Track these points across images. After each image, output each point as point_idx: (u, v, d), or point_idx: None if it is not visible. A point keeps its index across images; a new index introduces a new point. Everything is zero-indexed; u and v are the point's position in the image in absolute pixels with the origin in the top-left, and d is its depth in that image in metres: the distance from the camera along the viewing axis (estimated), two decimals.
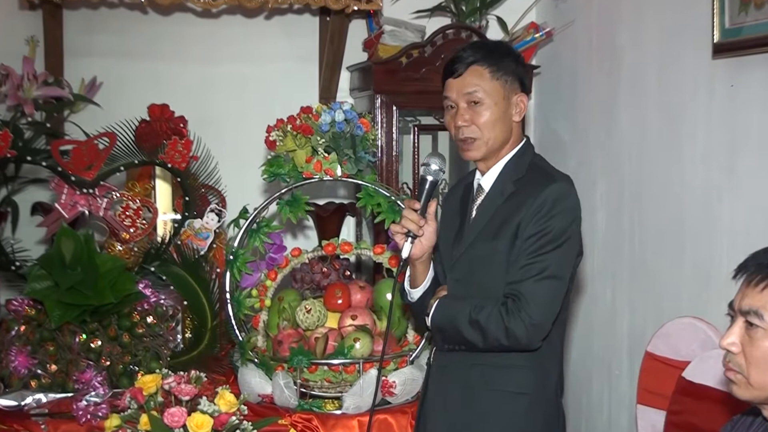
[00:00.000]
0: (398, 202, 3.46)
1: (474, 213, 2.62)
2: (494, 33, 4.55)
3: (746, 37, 3.00)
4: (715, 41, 3.14)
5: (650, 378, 3.28)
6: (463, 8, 4.50)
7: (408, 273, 2.66)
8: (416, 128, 4.43)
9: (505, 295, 2.47)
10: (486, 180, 2.63)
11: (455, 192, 2.77)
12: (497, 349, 2.49)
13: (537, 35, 4.39)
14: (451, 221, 2.68)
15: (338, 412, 3.26)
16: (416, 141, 4.42)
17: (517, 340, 2.45)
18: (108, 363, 3.36)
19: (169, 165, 3.60)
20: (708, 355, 2.99)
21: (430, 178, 2.53)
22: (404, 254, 2.52)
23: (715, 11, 3.10)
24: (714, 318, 3.10)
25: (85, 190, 3.53)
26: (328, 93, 4.64)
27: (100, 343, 3.36)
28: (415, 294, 2.66)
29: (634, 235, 3.77)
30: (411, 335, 3.43)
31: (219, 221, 3.69)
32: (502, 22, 4.55)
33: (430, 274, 2.64)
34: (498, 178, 2.60)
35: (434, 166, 2.53)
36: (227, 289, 3.45)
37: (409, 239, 2.51)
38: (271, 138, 3.45)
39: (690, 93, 3.35)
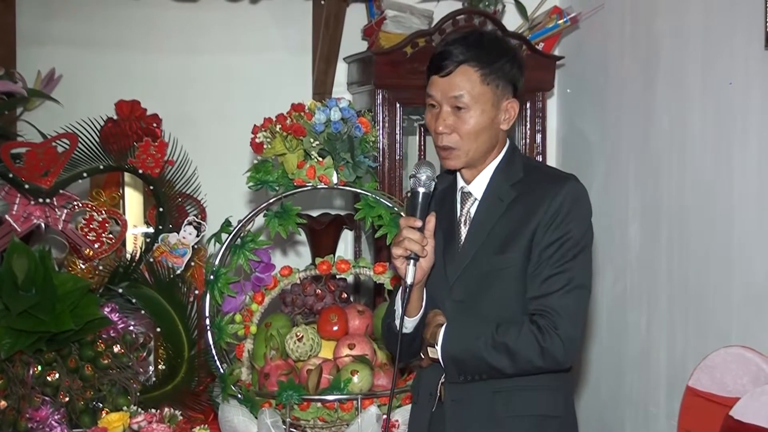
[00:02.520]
0: (401, 213, 3.43)
1: (468, 225, 2.64)
2: (512, 19, 4.56)
3: None
4: None
5: (692, 417, 3.26)
6: None
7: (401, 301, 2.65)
8: (422, 128, 4.43)
9: (532, 312, 2.52)
10: (475, 187, 2.65)
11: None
12: (527, 373, 2.53)
13: (561, 21, 4.42)
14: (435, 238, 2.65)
15: None
16: (422, 142, 4.43)
17: (555, 359, 2.50)
18: (67, 399, 3.34)
19: (141, 171, 3.61)
20: (761, 390, 2.98)
21: (422, 190, 2.54)
22: (409, 279, 2.51)
23: None
24: None
25: (41, 200, 3.53)
26: (322, 88, 4.64)
27: (57, 375, 3.34)
28: (411, 323, 2.64)
29: (674, 252, 3.76)
30: (416, 368, 3.41)
31: (198, 235, 3.71)
32: (520, 7, 4.55)
33: (425, 300, 2.64)
34: (491, 183, 2.63)
35: (424, 176, 2.53)
36: (207, 313, 3.45)
37: (412, 262, 2.51)
38: (257, 140, 3.45)
39: (740, 89, 3.35)
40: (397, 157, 4.24)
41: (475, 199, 2.64)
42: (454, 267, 2.61)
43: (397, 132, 4.24)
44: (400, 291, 2.59)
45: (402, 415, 3.27)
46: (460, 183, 2.68)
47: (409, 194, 2.62)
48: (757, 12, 3.19)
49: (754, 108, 3.27)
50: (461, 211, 2.66)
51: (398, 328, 2.57)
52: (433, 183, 2.55)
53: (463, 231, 2.64)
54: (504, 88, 2.59)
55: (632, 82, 4.07)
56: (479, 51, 2.57)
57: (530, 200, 2.55)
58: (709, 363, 3.22)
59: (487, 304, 2.58)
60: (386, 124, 4.22)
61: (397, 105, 4.24)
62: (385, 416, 3.22)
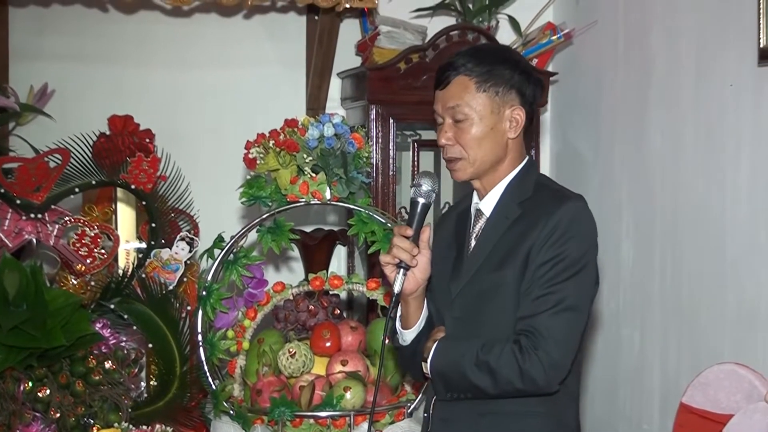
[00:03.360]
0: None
1: (474, 242, 2.61)
2: (505, 35, 4.57)
3: None
4: (761, 45, 3.15)
5: None
6: (470, 6, 4.52)
7: (399, 312, 2.63)
8: (416, 144, 4.45)
9: (518, 332, 2.46)
10: (486, 204, 2.61)
11: (448, 220, 2.76)
12: (510, 395, 2.47)
13: (554, 37, 4.42)
14: (446, 253, 2.66)
15: None
16: (416, 158, 4.43)
17: (534, 382, 2.42)
18: (58, 415, 3.32)
19: (133, 186, 3.61)
20: (753, 408, 2.98)
21: (421, 200, 2.52)
22: (396, 288, 2.49)
23: (761, 11, 3.12)
24: (761, 365, 3.09)
25: (32, 215, 3.52)
26: (316, 103, 4.65)
27: (48, 391, 3.32)
28: (408, 336, 2.62)
29: (667, 270, 3.76)
30: (409, 384, 3.41)
31: (190, 251, 3.69)
32: (514, 22, 4.57)
33: (425, 312, 2.62)
34: (500, 201, 2.59)
35: (426, 187, 2.52)
36: (199, 329, 3.44)
37: (401, 271, 2.49)
38: (250, 155, 3.45)
39: (733, 105, 3.36)
40: (391, 173, 4.24)
41: (485, 216, 2.61)
42: (457, 283, 2.59)
43: (391, 147, 4.24)
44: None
45: None
46: (475, 199, 2.65)
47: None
48: (749, 29, 3.19)
49: (747, 125, 3.28)
50: (473, 228, 2.63)
51: (384, 334, 2.57)
52: (434, 194, 2.53)
53: (471, 248, 2.61)
54: (505, 95, 2.54)
55: (626, 99, 4.07)
56: (474, 60, 2.55)
57: (531, 218, 2.51)
58: (703, 380, 3.20)
59: (483, 322, 2.54)
60: (380, 140, 4.23)
61: (391, 120, 4.24)
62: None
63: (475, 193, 2.66)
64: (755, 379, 3.05)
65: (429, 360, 2.54)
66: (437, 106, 2.59)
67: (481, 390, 2.47)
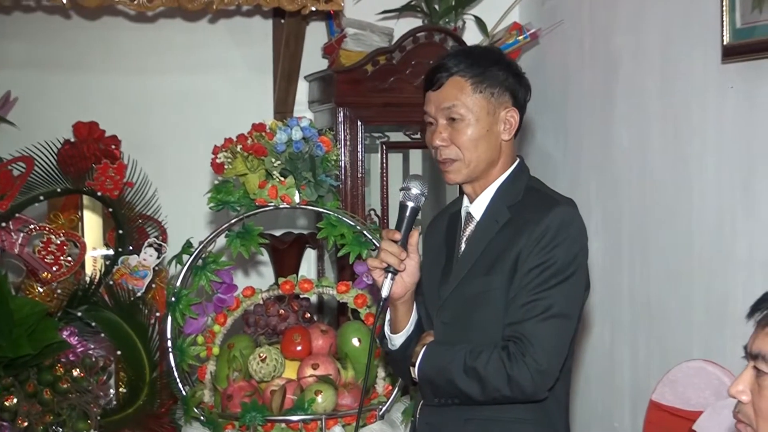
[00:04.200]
0: (365, 232, 3.45)
1: (463, 245, 2.60)
2: (472, 35, 4.59)
3: (760, 39, 3.03)
4: (725, 43, 3.17)
5: (656, 431, 3.27)
6: (436, 7, 4.52)
7: (388, 316, 2.63)
8: (384, 146, 4.45)
9: (506, 338, 2.45)
10: (476, 207, 2.60)
11: (439, 223, 2.74)
12: (498, 401, 2.46)
13: (521, 37, 4.42)
14: (436, 257, 2.66)
15: None
16: (384, 161, 4.43)
17: (522, 389, 2.41)
18: (26, 424, 3.31)
19: (99, 193, 3.61)
20: (722, 404, 2.97)
21: (410, 204, 2.50)
22: (384, 293, 2.48)
23: (725, 8, 3.14)
24: (729, 362, 3.11)
25: None
26: (283, 107, 4.65)
27: (15, 400, 3.31)
28: (397, 340, 2.61)
29: (635, 267, 3.78)
30: (381, 386, 3.43)
31: (159, 257, 3.69)
32: (480, 23, 4.58)
33: (414, 317, 2.61)
34: (490, 204, 2.58)
35: (415, 190, 2.49)
36: (168, 335, 3.44)
37: (389, 275, 2.47)
38: (218, 160, 3.45)
39: (698, 103, 3.38)
40: (359, 176, 4.24)
41: (475, 220, 2.59)
42: (446, 288, 2.58)
43: (359, 150, 4.24)
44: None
45: None
46: (465, 203, 2.64)
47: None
48: (713, 27, 3.22)
49: (712, 123, 3.30)
50: (463, 231, 2.62)
51: (372, 335, 2.56)
52: (423, 198, 2.50)
53: (461, 252, 2.60)
54: (500, 96, 2.54)
55: (592, 99, 4.09)
56: (469, 61, 2.54)
57: (520, 223, 2.49)
58: (672, 377, 3.22)
59: (472, 327, 2.53)
60: (348, 143, 4.22)
61: (359, 123, 4.25)
62: None
63: (465, 196, 2.65)
64: (723, 376, 3.06)
65: (417, 365, 2.53)
66: (429, 107, 2.57)
67: (468, 396, 2.46)
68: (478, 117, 2.53)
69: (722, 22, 3.15)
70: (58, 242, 3.60)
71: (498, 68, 2.55)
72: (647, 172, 3.70)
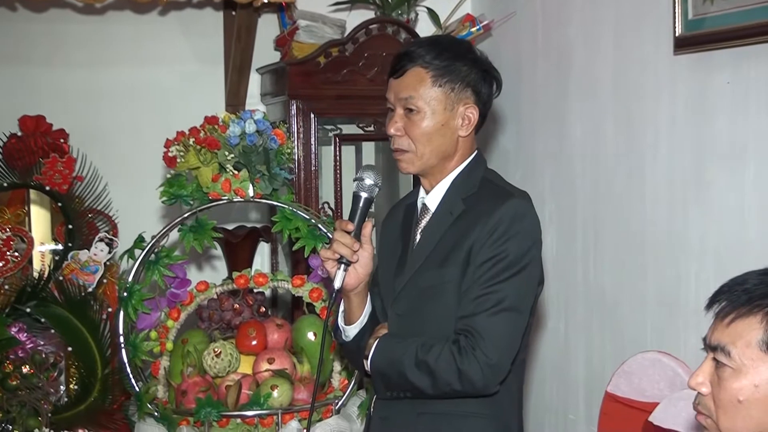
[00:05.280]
0: (319, 225, 3.45)
1: (418, 237, 2.60)
2: (425, 27, 4.59)
3: (710, 30, 3.06)
4: (677, 34, 3.19)
5: (611, 423, 3.30)
6: None
7: (342, 307, 2.63)
8: (338, 138, 4.44)
9: (457, 332, 2.44)
10: (431, 199, 2.60)
11: (395, 214, 2.74)
12: (449, 395, 2.46)
13: (473, 29, 4.41)
14: (392, 248, 2.66)
15: None
16: (338, 153, 4.42)
17: (472, 383, 2.41)
18: None
19: (48, 187, 3.58)
20: (678, 396, 3.01)
21: (364, 194, 2.49)
22: (336, 284, 2.47)
23: (677, 0, 3.15)
24: (683, 352, 3.15)
25: None
26: (235, 99, 4.63)
27: None
28: (351, 331, 2.60)
29: (589, 259, 3.81)
30: (336, 380, 3.43)
31: (110, 252, 3.68)
32: (433, 15, 4.59)
33: (368, 308, 2.60)
34: (445, 196, 2.58)
35: (369, 181, 2.49)
36: (120, 331, 3.42)
37: (342, 267, 2.47)
38: (170, 154, 3.43)
39: (650, 94, 3.41)
40: (313, 168, 4.23)
41: (431, 211, 2.59)
42: (401, 279, 2.57)
43: (312, 143, 4.23)
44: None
45: (323, 429, 3.28)
46: (421, 194, 2.63)
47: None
48: (665, 18, 3.24)
49: (664, 114, 3.33)
50: (419, 222, 2.61)
51: (325, 326, 2.56)
52: (377, 189, 2.50)
53: (416, 244, 2.59)
54: (460, 92, 2.52)
55: (546, 90, 4.11)
56: (433, 53, 2.52)
57: (473, 215, 2.49)
58: (627, 368, 3.25)
59: (425, 320, 2.52)
60: (301, 135, 4.21)
61: (312, 115, 4.24)
62: (305, 430, 3.24)
63: (421, 188, 2.64)
64: (678, 367, 3.10)
65: (369, 358, 2.52)
66: (390, 94, 2.56)
67: (420, 390, 2.46)
68: (434, 110, 2.52)
69: (674, 13, 3.17)
70: (4, 237, 3.59)
71: (463, 63, 2.54)
72: (600, 162, 3.72)
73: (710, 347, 1.84)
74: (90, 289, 3.61)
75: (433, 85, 2.51)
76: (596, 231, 3.75)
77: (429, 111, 2.51)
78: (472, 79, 2.54)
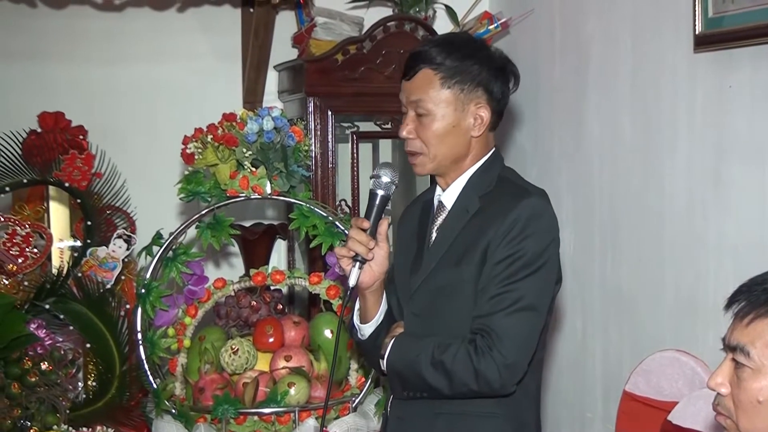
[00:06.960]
0: (336, 222, 3.45)
1: (434, 235, 2.58)
2: (442, 24, 4.59)
3: (731, 28, 3.04)
4: (697, 32, 3.18)
5: (629, 422, 3.28)
6: None
7: (357, 305, 2.61)
8: (355, 136, 4.45)
9: (473, 331, 2.42)
10: (447, 196, 2.58)
11: (412, 211, 2.72)
12: (466, 396, 2.44)
13: (491, 27, 4.41)
14: (408, 246, 2.64)
15: None
16: (355, 150, 4.42)
17: (489, 383, 2.39)
18: None
19: (67, 184, 3.60)
20: (696, 395, 2.99)
21: (380, 192, 2.47)
22: (351, 282, 2.46)
23: None
24: (701, 351, 3.13)
25: None
26: (252, 97, 4.65)
27: None
28: (366, 330, 2.59)
29: (607, 257, 3.79)
30: (353, 378, 3.43)
31: (128, 249, 3.69)
32: (451, 12, 4.58)
33: (383, 306, 2.58)
34: (461, 193, 2.55)
35: (385, 179, 2.47)
36: (138, 328, 3.42)
37: (357, 264, 2.45)
38: (188, 150, 3.43)
39: (669, 93, 3.39)
40: (330, 166, 4.23)
41: (447, 209, 2.57)
42: (417, 277, 2.55)
43: (330, 140, 4.23)
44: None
45: (340, 427, 3.28)
46: (437, 191, 2.61)
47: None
48: (685, 16, 3.22)
49: (683, 112, 3.31)
50: (435, 220, 2.59)
51: (333, 335, 2.55)
52: (394, 187, 2.48)
53: (431, 242, 2.57)
54: (471, 92, 2.49)
55: (563, 88, 4.09)
56: (443, 53, 2.49)
57: (489, 213, 2.46)
58: (645, 367, 3.24)
59: (441, 319, 2.51)
60: (318, 133, 4.21)
61: (329, 113, 4.24)
62: (324, 428, 3.23)
63: (437, 186, 2.62)
64: (697, 366, 3.08)
65: (385, 357, 2.51)
66: (402, 96, 2.54)
67: (436, 390, 2.44)
68: (444, 113, 2.49)
69: (695, 11, 3.16)
70: (24, 234, 3.59)
71: (473, 62, 2.50)
72: (618, 161, 3.71)
73: (729, 347, 1.83)
74: (108, 286, 3.62)
75: (442, 87, 2.48)
76: (614, 229, 3.74)
77: (439, 113, 2.49)
78: (484, 78, 2.50)
